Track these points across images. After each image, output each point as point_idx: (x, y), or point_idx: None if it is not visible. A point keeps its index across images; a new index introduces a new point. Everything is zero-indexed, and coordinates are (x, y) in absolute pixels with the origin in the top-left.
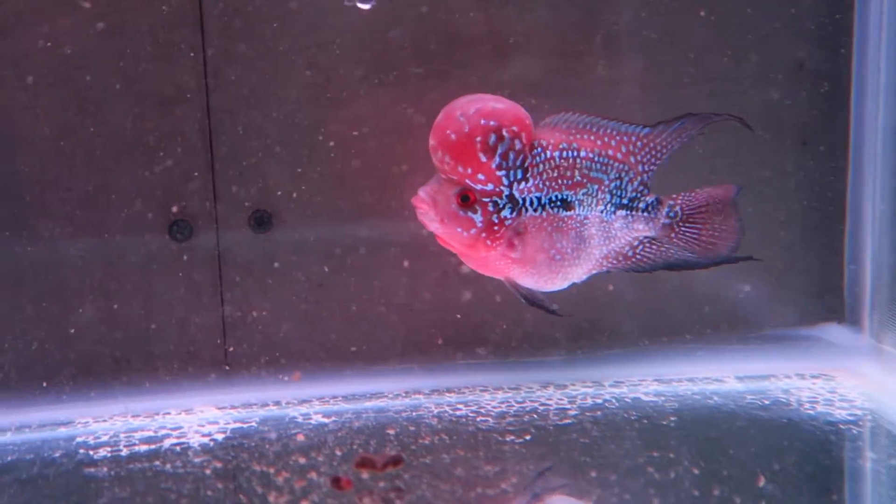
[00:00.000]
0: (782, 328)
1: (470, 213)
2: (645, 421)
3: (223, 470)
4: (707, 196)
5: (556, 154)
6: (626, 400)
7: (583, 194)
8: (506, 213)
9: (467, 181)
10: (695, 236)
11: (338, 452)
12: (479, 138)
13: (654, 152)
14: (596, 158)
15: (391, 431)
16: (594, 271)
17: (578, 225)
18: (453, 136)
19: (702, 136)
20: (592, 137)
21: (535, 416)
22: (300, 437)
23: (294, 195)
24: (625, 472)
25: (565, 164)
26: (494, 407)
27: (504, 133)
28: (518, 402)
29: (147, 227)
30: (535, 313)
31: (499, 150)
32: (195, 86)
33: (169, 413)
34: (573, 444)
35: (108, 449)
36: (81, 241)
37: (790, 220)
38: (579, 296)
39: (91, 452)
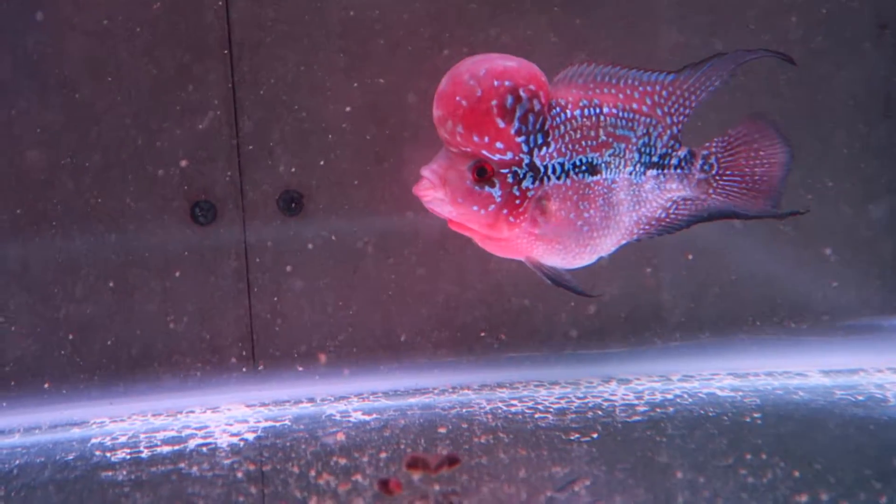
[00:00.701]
0: (868, 317)
1: (488, 188)
2: (725, 418)
3: (256, 472)
4: (742, 134)
5: (577, 113)
6: (700, 395)
7: (609, 155)
8: (527, 183)
9: (484, 152)
10: (737, 185)
11: (384, 453)
12: (494, 101)
13: (682, 100)
14: (620, 114)
15: (442, 430)
16: (623, 241)
17: (606, 190)
18: (465, 103)
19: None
20: (613, 91)
21: (600, 412)
22: (340, 436)
23: (329, 176)
24: (714, 475)
25: (588, 124)
26: (553, 403)
27: (521, 93)
28: (578, 398)
29: (167, 209)
30: (595, 303)
31: (517, 113)
32: (219, 56)
33: (193, 411)
34: (648, 443)
35: (128, 451)
36: (95, 229)
37: (876, 199)
38: (636, 283)
39: (108, 454)
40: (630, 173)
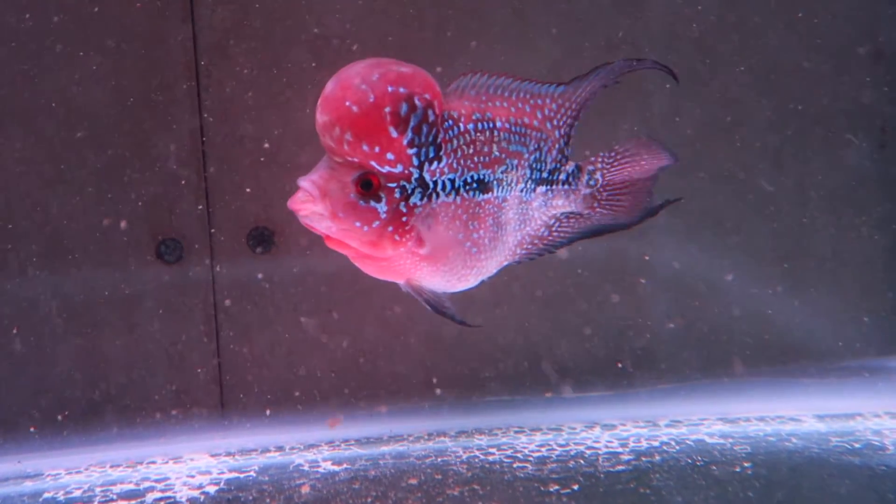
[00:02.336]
0: (864, 358)
1: (373, 203)
2: (714, 468)
3: None
4: (627, 150)
5: (471, 127)
6: (688, 442)
7: (501, 172)
8: (415, 199)
9: (372, 163)
10: (621, 198)
11: None
12: (388, 108)
13: (570, 112)
14: (513, 129)
15: (413, 481)
16: (505, 262)
17: (496, 209)
18: (356, 109)
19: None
20: (506, 104)
21: (582, 461)
22: (305, 490)
23: None
24: None
25: (481, 139)
26: (533, 451)
27: (416, 102)
28: (560, 445)
29: (132, 247)
30: (576, 344)
31: (411, 123)
32: (185, 87)
33: (154, 462)
34: (632, 496)
35: None
36: (56, 266)
37: (871, 231)
38: (622, 323)
39: None
40: (521, 191)
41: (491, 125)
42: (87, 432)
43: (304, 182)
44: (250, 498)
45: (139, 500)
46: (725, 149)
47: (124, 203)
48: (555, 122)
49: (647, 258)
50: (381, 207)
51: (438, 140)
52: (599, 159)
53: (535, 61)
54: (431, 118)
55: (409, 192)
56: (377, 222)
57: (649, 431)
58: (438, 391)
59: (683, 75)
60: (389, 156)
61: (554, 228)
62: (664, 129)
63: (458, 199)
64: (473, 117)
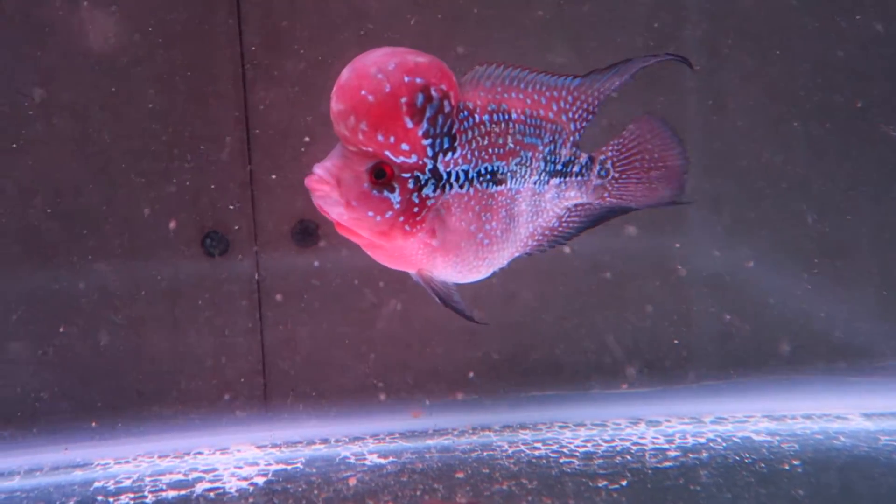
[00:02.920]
0: None
1: (386, 193)
2: (762, 465)
3: None
4: (634, 135)
5: (486, 118)
6: (735, 439)
7: (515, 164)
8: (428, 190)
9: (386, 153)
10: (633, 187)
11: (400, 500)
12: (404, 99)
13: (585, 106)
14: (528, 121)
15: (460, 475)
16: (517, 254)
17: (509, 201)
18: (371, 98)
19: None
20: (521, 95)
21: (629, 456)
22: (352, 482)
23: None
24: None
25: (496, 130)
26: (578, 446)
27: (432, 92)
28: (605, 441)
29: (177, 240)
30: (618, 340)
31: (427, 114)
32: (231, 79)
33: (201, 453)
34: (682, 492)
35: (131, 495)
36: (101, 261)
37: None
38: (663, 318)
39: (111, 499)
40: (535, 183)
41: (506, 117)
42: (133, 423)
43: (319, 169)
44: (299, 490)
45: (189, 490)
46: (769, 142)
47: (170, 196)
48: (570, 115)
49: (687, 254)
50: (395, 198)
51: (453, 131)
52: (610, 148)
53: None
54: (447, 109)
55: (423, 182)
56: (390, 212)
57: (694, 428)
58: (481, 385)
59: (727, 67)
60: (404, 146)
61: (564, 219)
62: (709, 122)
63: (472, 190)
64: (489, 108)
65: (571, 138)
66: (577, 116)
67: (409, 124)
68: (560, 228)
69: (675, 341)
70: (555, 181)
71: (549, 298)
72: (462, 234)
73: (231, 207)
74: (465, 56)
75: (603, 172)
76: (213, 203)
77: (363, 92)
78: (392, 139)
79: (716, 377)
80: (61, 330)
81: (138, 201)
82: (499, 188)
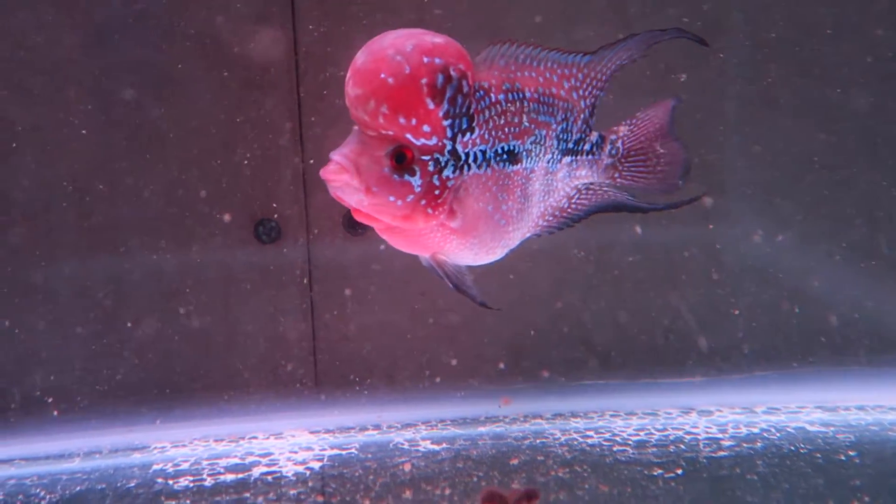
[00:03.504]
0: None
1: (407, 177)
2: (818, 456)
3: None
4: (648, 117)
5: (501, 97)
6: (789, 430)
7: (530, 143)
8: (448, 172)
9: (408, 135)
10: (640, 171)
11: (457, 486)
12: (424, 80)
13: (595, 83)
14: (541, 99)
15: (515, 462)
16: (528, 235)
17: (524, 180)
18: (392, 81)
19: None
20: (534, 74)
21: (683, 446)
22: (407, 467)
23: None
24: None
25: (512, 109)
26: (631, 435)
27: (451, 72)
28: (658, 430)
29: (230, 228)
30: (668, 329)
31: (447, 94)
32: (284, 69)
33: (256, 437)
34: (738, 481)
35: (190, 478)
36: (157, 247)
37: None
38: (715, 309)
39: (171, 482)
40: (548, 161)
41: (521, 95)
42: (188, 407)
43: (337, 156)
44: (356, 475)
45: (246, 473)
46: (818, 135)
47: (224, 184)
48: (581, 93)
49: (738, 244)
50: (415, 181)
51: (471, 111)
52: (622, 128)
53: None
54: (465, 89)
55: (443, 164)
56: (411, 196)
57: (747, 418)
58: (531, 373)
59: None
60: (426, 128)
61: (574, 200)
62: (761, 117)
63: (489, 170)
64: (503, 87)
65: (582, 116)
66: (587, 94)
67: (431, 105)
68: (569, 209)
69: (725, 331)
70: (567, 159)
71: (597, 286)
72: (480, 215)
73: (283, 196)
74: (541, 25)
75: (613, 151)
76: (266, 191)
77: (383, 75)
78: (414, 121)
79: (766, 367)
80: (119, 316)
81: (193, 188)
82: (515, 167)
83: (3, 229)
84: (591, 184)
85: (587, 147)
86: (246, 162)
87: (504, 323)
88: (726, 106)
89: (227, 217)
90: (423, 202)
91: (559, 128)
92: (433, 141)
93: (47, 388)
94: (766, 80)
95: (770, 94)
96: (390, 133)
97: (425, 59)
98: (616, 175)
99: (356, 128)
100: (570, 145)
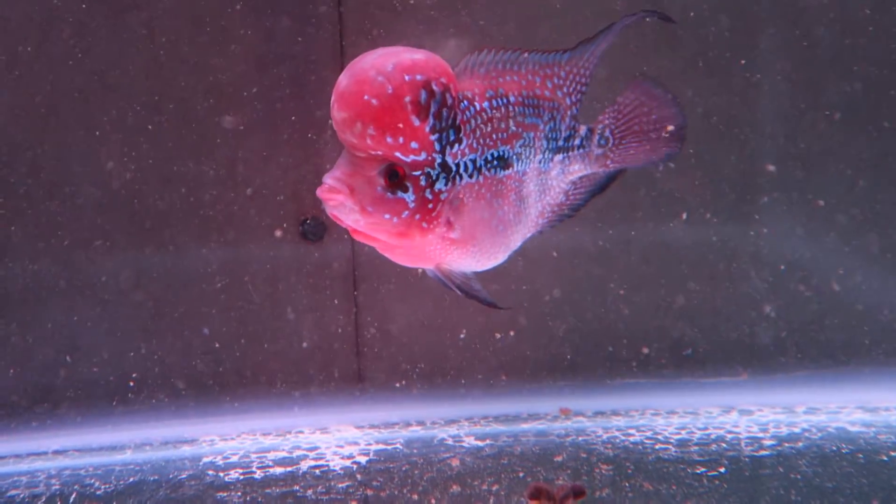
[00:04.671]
0: None
1: (400, 193)
2: (860, 456)
3: (375, 498)
4: (630, 100)
5: (486, 105)
6: (830, 430)
7: (520, 146)
8: (440, 184)
9: (397, 154)
10: (632, 152)
11: (503, 481)
12: (408, 98)
13: (578, 78)
14: (526, 101)
15: (559, 458)
16: (528, 234)
17: (518, 184)
18: (375, 102)
19: None
20: (516, 77)
21: (724, 444)
22: (454, 462)
23: None
24: None
25: (498, 115)
26: (672, 433)
27: (434, 87)
28: (699, 429)
29: (276, 226)
30: (707, 329)
31: (432, 109)
32: (330, 65)
33: (302, 432)
34: (781, 481)
35: (240, 471)
36: (204, 244)
37: None
38: (751, 308)
39: (221, 474)
40: (539, 162)
41: (505, 101)
42: (235, 401)
43: (330, 179)
44: (403, 469)
45: (295, 467)
46: (863, 134)
47: (269, 181)
48: (565, 90)
49: (777, 243)
50: (409, 197)
51: (457, 122)
52: (606, 116)
53: None
54: (449, 101)
55: (434, 178)
56: (406, 212)
57: (788, 418)
58: (573, 371)
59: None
60: (413, 144)
61: (571, 193)
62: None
63: (481, 178)
64: (487, 95)
65: (569, 113)
66: (571, 90)
67: (416, 122)
68: (568, 203)
69: (765, 331)
70: (558, 157)
71: (637, 285)
72: (477, 223)
73: None
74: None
75: (602, 141)
76: (312, 188)
77: (366, 97)
78: (401, 139)
79: (806, 367)
80: (168, 312)
81: (240, 186)
82: (506, 172)
83: (57, 224)
84: (585, 175)
85: (577, 142)
86: (292, 160)
87: (547, 321)
88: (768, 103)
89: (272, 215)
90: (418, 217)
91: (547, 128)
92: (422, 156)
93: (98, 381)
94: (808, 77)
95: (812, 91)
96: (379, 153)
97: (406, 77)
98: (609, 162)
99: (345, 150)
100: (560, 143)
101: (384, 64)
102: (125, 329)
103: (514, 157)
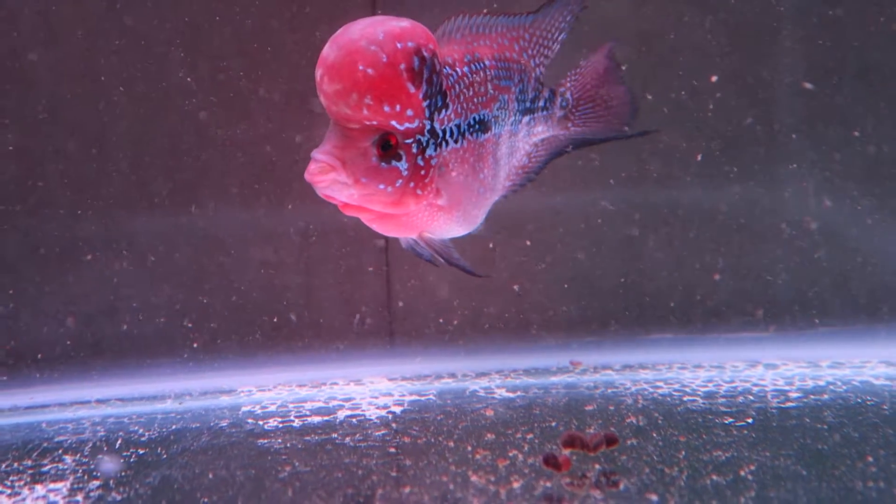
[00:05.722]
0: None
1: (394, 162)
2: (885, 407)
3: (412, 446)
4: (591, 67)
5: (466, 70)
6: (854, 383)
7: (497, 109)
8: (430, 150)
9: (393, 122)
10: (592, 113)
11: (536, 430)
12: (403, 65)
13: (543, 41)
14: (499, 65)
15: (590, 408)
16: (496, 197)
17: (494, 147)
18: (371, 71)
19: None
20: (488, 42)
21: (751, 396)
22: (489, 413)
23: None
24: (888, 464)
25: (477, 80)
26: (700, 386)
27: (424, 53)
28: (726, 382)
29: (311, 185)
30: (732, 286)
31: (424, 75)
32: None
33: (336, 383)
34: (808, 431)
35: (279, 419)
36: (242, 204)
37: None
38: (775, 264)
39: (261, 422)
40: (511, 124)
41: (482, 65)
42: (271, 354)
43: (320, 154)
44: (438, 418)
45: (331, 416)
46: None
47: (307, 145)
48: (530, 52)
49: (802, 203)
50: (402, 165)
51: (443, 88)
52: (569, 79)
53: None
54: (438, 68)
55: (425, 144)
56: (400, 181)
57: (812, 372)
58: (600, 327)
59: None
60: (409, 112)
61: (532, 156)
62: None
63: (465, 143)
64: (465, 59)
65: (534, 74)
66: (536, 53)
67: (412, 89)
68: (529, 165)
69: (791, 287)
70: (525, 119)
71: (664, 243)
72: (462, 188)
73: None
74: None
75: (563, 103)
76: None
77: (361, 66)
78: (398, 107)
79: (830, 323)
80: (207, 267)
81: (277, 149)
82: (486, 136)
83: (99, 182)
84: (546, 137)
85: (541, 104)
86: (326, 124)
87: (574, 277)
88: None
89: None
90: (412, 184)
91: (517, 90)
92: (416, 123)
93: (137, 334)
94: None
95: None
96: (374, 123)
97: (399, 45)
98: (569, 125)
99: (333, 123)
100: (528, 105)
101: (373, 33)
102: (163, 284)
103: (493, 119)
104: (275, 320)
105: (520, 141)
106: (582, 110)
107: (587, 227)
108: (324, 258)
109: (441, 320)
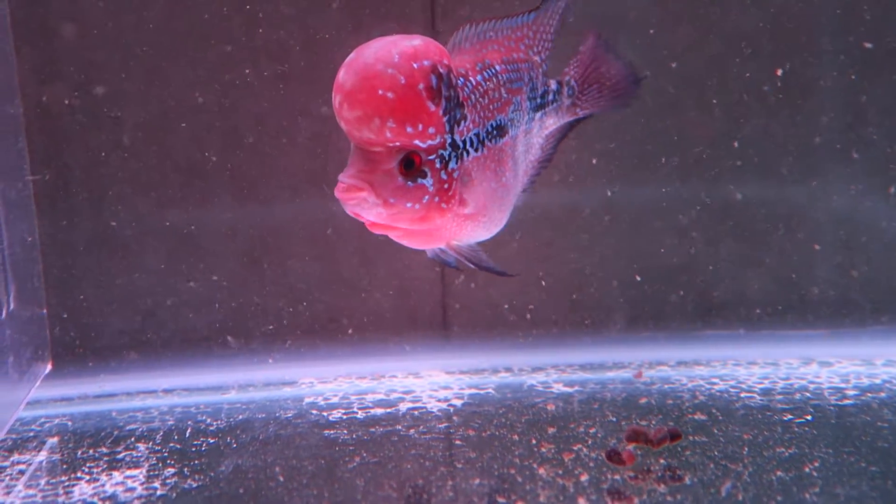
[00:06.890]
0: None
1: (420, 180)
2: None
3: (476, 438)
4: (588, 52)
5: (480, 78)
6: None
7: (512, 112)
8: (452, 164)
9: (416, 142)
10: (595, 97)
11: (597, 425)
12: (421, 85)
13: (544, 35)
14: (509, 67)
15: (645, 402)
16: (518, 193)
17: (512, 149)
18: (391, 95)
19: None
20: (496, 46)
21: (808, 394)
22: (550, 407)
23: None
24: None
25: (491, 86)
26: (756, 383)
27: (440, 70)
28: (782, 379)
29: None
30: (783, 283)
31: (443, 92)
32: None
33: (395, 376)
34: (868, 428)
35: (342, 411)
36: (300, 196)
37: None
38: (829, 263)
39: (325, 414)
40: (525, 122)
41: (493, 71)
42: (331, 346)
43: (347, 178)
44: (500, 412)
45: (394, 408)
46: None
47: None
48: (535, 49)
49: (850, 197)
50: (428, 182)
51: (460, 100)
52: (571, 67)
53: None
54: (453, 81)
55: (447, 158)
56: (426, 197)
57: (867, 370)
58: (654, 323)
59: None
60: (431, 130)
61: (544, 146)
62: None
63: (484, 150)
64: (478, 68)
65: (541, 70)
66: (540, 48)
67: (432, 107)
68: (543, 156)
69: (844, 285)
70: (538, 115)
71: (715, 240)
72: (486, 194)
73: None
74: None
75: (570, 91)
76: None
77: (380, 91)
78: (420, 127)
79: (882, 322)
80: (266, 261)
81: (334, 142)
82: (504, 140)
83: (160, 175)
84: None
85: (550, 97)
86: None
87: (628, 274)
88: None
89: None
90: (437, 199)
91: (528, 88)
92: (437, 140)
93: (201, 327)
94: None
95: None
96: (397, 144)
97: (415, 65)
98: (577, 110)
99: (355, 147)
100: (538, 101)
101: (388, 55)
102: (224, 279)
103: (509, 123)
104: (331, 313)
105: (534, 137)
106: (587, 93)
107: (639, 224)
108: (379, 251)
109: (496, 314)
